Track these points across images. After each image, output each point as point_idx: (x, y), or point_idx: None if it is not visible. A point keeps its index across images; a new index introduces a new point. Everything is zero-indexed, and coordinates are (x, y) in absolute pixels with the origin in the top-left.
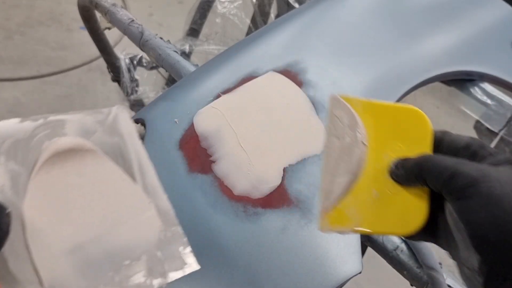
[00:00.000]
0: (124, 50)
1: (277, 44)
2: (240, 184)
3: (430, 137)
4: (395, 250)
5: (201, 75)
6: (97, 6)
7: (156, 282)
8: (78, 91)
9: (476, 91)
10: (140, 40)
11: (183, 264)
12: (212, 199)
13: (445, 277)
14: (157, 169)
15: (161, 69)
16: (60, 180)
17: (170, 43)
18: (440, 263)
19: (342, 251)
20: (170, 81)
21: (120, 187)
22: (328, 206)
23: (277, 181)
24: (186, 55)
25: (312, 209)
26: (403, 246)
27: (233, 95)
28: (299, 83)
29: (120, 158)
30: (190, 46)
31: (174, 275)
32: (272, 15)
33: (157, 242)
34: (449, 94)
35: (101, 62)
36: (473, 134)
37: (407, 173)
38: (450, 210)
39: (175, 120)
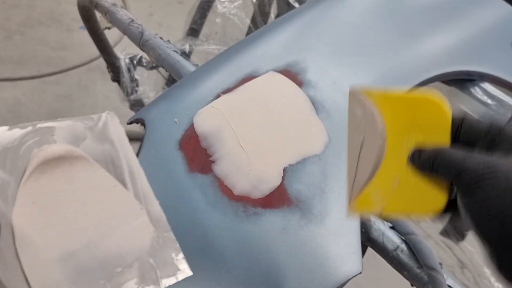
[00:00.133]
0: (124, 50)
1: (277, 44)
2: (240, 184)
3: (448, 125)
4: (395, 250)
5: (201, 75)
6: (97, 6)
7: None
8: (78, 91)
9: (476, 91)
10: (140, 40)
11: (176, 270)
12: (212, 199)
13: (445, 277)
14: (157, 169)
15: (161, 69)
16: (50, 188)
17: (170, 43)
18: (440, 263)
19: (342, 251)
20: (170, 81)
21: (111, 194)
22: (355, 193)
23: (277, 181)
24: (186, 55)
25: (312, 209)
26: (403, 246)
27: (233, 95)
28: (299, 83)
29: (111, 164)
30: (190, 46)
31: (166, 282)
32: (272, 15)
33: (149, 248)
34: (449, 94)
35: (101, 62)
36: None
37: (422, 165)
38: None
39: (175, 120)
